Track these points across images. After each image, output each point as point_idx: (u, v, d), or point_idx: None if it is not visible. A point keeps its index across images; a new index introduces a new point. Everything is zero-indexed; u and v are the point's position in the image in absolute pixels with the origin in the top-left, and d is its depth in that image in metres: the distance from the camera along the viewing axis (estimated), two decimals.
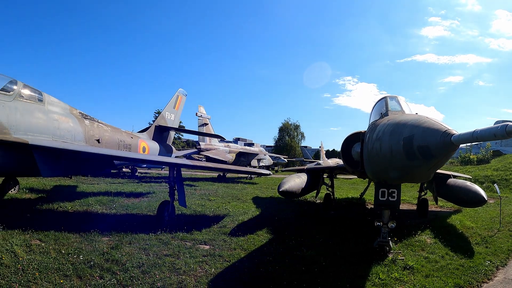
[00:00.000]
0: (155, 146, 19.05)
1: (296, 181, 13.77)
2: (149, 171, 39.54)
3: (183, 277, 6.72)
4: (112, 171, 25.66)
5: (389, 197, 8.17)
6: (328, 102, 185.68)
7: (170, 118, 21.47)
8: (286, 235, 10.29)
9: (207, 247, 8.76)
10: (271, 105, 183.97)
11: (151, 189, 20.81)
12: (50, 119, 11.81)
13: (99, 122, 14.84)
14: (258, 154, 37.90)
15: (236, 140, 40.41)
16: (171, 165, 12.11)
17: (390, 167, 6.94)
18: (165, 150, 20.17)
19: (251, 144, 42.93)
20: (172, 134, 21.77)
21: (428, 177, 7.79)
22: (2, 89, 10.62)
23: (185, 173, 35.65)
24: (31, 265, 6.79)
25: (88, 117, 14.30)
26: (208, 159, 28.92)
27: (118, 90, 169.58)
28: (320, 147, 50.33)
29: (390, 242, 8.56)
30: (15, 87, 11.00)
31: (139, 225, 10.45)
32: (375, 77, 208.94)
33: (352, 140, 10.34)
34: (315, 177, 16.05)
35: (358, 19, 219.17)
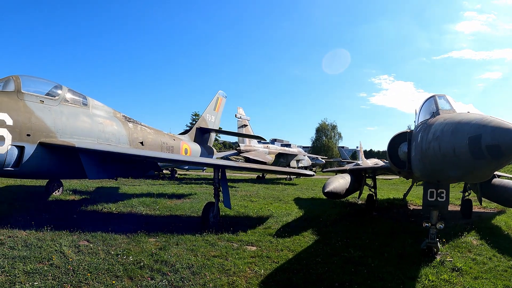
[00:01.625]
0: (197, 148, 18.72)
1: (340, 181, 13.28)
2: (187, 172, 39.47)
3: (233, 278, 6.45)
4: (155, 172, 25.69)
5: (438, 198, 7.98)
6: (364, 101, 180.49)
7: (211, 120, 21.12)
8: (331, 236, 9.93)
9: (254, 248, 8.49)
10: (307, 105, 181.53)
11: (192, 190, 20.57)
12: (94, 122, 11.66)
13: (142, 125, 14.66)
14: (297, 155, 36.98)
15: (272, 141, 39.74)
16: (215, 167, 11.47)
17: (451, 167, 6.67)
18: (207, 152, 19.81)
19: (288, 145, 42.12)
20: (213, 136, 21.43)
21: (488, 177, 7.31)
22: (48, 94, 10.55)
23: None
24: (81, 265, 6.53)
25: (132, 120, 14.12)
26: (248, 160, 28.42)
27: (156, 92, 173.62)
28: (358, 147, 48.55)
29: (438, 244, 8.15)
30: (60, 92, 10.93)
31: (184, 226, 10.18)
32: (411, 75, 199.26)
33: (398, 140, 10.16)
34: (358, 177, 15.50)
35: (392, 17, 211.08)
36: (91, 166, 10.38)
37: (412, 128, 10.17)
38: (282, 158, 34.07)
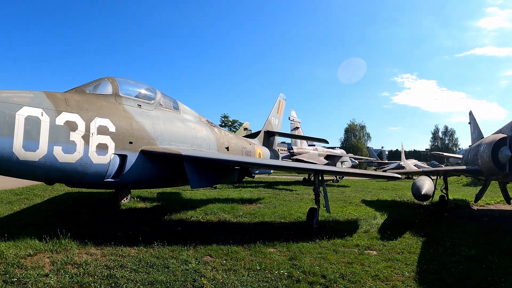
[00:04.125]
0: (267, 152, 16.97)
1: (428, 183, 12.26)
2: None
3: (390, 283, 5.99)
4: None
5: None
6: (387, 101, 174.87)
7: (275, 123, 19.39)
8: (438, 237, 9.34)
9: (375, 252, 7.90)
10: (330, 106, 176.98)
11: (254, 194, 18.70)
12: (187, 127, 10.07)
13: (223, 129, 13.01)
14: (342, 156, 34.83)
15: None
16: (315, 172, 10.48)
17: None
18: (274, 155, 18.04)
19: (332, 147, 40.02)
20: (277, 139, 19.65)
21: None
22: (144, 98, 9.01)
23: (263, 176, 33.31)
24: (238, 286, 5.60)
25: (214, 125, 12.49)
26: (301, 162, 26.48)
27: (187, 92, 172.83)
28: (383, 147, 45.92)
29: None
30: (154, 95, 9.42)
31: (287, 233, 9.20)
32: (434, 74, 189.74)
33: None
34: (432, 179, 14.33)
35: (412, 14, 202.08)
36: (194, 174, 8.77)
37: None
38: (330, 160, 31.99)
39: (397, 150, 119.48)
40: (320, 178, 10.13)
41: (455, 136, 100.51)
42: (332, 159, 32.64)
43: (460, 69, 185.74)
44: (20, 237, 7.33)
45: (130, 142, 7.90)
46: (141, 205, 13.75)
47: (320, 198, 9.86)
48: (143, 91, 9.06)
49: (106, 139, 7.38)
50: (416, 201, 17.09)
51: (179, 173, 9.15)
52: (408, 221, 11.51)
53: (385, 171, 38.30)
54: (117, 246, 7.31)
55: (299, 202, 15.92)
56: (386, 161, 53.25)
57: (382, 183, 31.51)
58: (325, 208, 9.76)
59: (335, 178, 31.52)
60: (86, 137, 7.02)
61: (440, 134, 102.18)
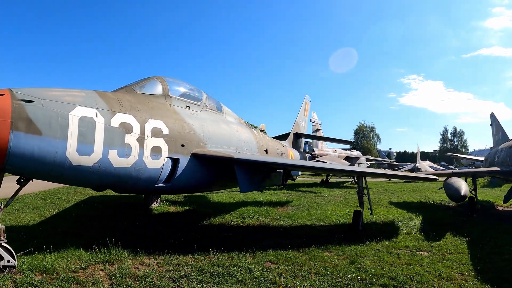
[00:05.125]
0: (297, 154, 16.30)
1: (465, 184, 12.17)
2: None
3: (457, 281, 5.85)
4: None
5: None
6: (393, 102, 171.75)
7: (302, 125, 18.73)
8: (481, 238, 9.06)
9: (426, 253, 7.66)
10: (336, 107, 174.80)
11: (286, 197, 18.02)
12: (231, 130, 9.40)
13: (258, 131, 12.34)
14: (359, 158, 34.06)
15: None
16: (359, 174, 10.18)
17: None
18: (303, 157, 17.34)
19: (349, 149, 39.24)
20: (303, 141, 18.96)
21: None
22: (192, 99, 8.38)
23: None
24: None
25: (251, 126, 11.82)
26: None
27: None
28: (391, 149, 45.06)
29: None
30: (201, 96, 8.79)
31: (333, 236, 8.84)
32: (440, 74, 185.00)
33: None
34: None
35: (418, 15, 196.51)
36: (244, 178, 8.12)
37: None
38: (349, 162, 31.16)
39: (405, 151, 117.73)
40: (363, 180, 9.97)
41: (464, 137, 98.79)
42: (350, 160, 31.84)
43: (467, 70, 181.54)
44: (64, 248, 6.64)
45: (182, 145, 7.24)
46: (172, 209, 13.02)
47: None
48: (190, 92, 8.42)
49: (160, 142, 6.71)
50: (443, 202, 16.88)
51: (226, 177, 8.59)
52: (444, 222, 11.24)
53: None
54: (171, 254, 6.68)
55: (329, 204, 15.39)
56: (402, 163, 52.01)
57: (401, 184, 30.66)
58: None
59: (353, 179, 30.68)
60: (141, 140, 6.34)
61: (449, 135, 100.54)
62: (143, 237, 8.03)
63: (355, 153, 35.74)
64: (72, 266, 5.90)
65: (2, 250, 5.07)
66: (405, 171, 43.31)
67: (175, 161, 7.12)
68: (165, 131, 6.86)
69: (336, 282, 5.60)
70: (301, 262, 6.61)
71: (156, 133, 6.67)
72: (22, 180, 5.65)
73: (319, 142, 27.71)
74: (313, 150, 27.15)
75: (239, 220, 10.88)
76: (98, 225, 9.56)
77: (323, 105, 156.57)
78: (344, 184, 29.82)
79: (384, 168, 60.25)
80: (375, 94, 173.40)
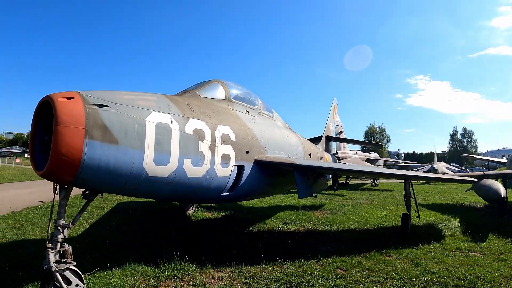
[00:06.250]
0: (330, 157, 15.80)
1: (502, 186, 12.14)
2: None
3: None
4: None
5: None
6: (400, 103, 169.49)
7: (332, 128, 18.22)
8: None
9: (478, 254, 7.63)
10: (345, 108, 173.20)
11: (314, 200, 17.38)
12: (283, 134, 8.95)
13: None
14: (378, 160, 33.48)
15: None
16: (406, 177, 10.04)
17: None
18: (334, 161, 16.80)
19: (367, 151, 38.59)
20: (333, 144, 18.45)
21: None
22: (249, 103, 7.93)
23: None
24: None
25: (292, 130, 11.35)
26: None
27: None
28: (399, 150, 44.24)
29: None
30: (256, 100, 8.34)
31: (383, 240, 8.75)
32: (447, 74, 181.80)
33: None
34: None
35: (425, 14, 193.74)
36: (302, 184, 7.72)
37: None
38: (370, 164, 30.55)
39: (414, 152, 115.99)
40: (410, 184, 9.87)
41: (474, 138, 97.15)
42: (371, 162, 31.20)
43: (473, 70, 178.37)
44: (122, 262, 6.19)
45: (247, 152, 6.78)
46: (208, 215, 12.41)
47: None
48: (248, 96, 7.97)
49: (229, 149, 6.24)
50: (471, 204, 16.58)
51: (282, 183, 8.34)
52: (481, 223, 11.08)
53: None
54: (238, 265, 6.31)
55: (362, 208, 15.01)
56: (419, 164, 51.04)
57: (420, 186, 29.92)
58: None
59: (372, 182, 30.04)
60: (212, 147, 5.86)
61: (458, 135, 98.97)
62: (201, 247, 7.61)
63: (373, 155, 35.08)
64: (143, 284, 5.44)
65: (70, 273, 4.51)
66: (423, 171, 42.54)
67: (240, 169, 6.67)
68: (233, 137, 6.41)
69: (413, 286, 5.57)
70: (369, 267, 6.45)
71: (225, 139, 6.21)
72: (88, 194, 5.08)
73: (342, 144, 27.18)
74: (336, 153, 26.58)
75: (284, 225, 10.48)
76: (144, 234, 9.09)
77: (328, 107, 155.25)
78: (364, 186, 29.22)
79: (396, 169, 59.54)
80: (382, 95, 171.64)
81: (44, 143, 4.46)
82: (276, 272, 6.04)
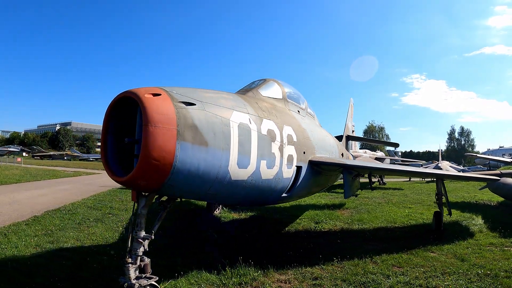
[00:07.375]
0: (351, 157, 15.84)
1: None
2: None
3: None
4: None
5: None
6: (396, 101, 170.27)
7: (351, 128, 18.31)
8: None
9: (511, 249, 7.76)
10: (342, 107, 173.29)
11: (334, 200, 17.45)
12: (322, 135, 8.94)
13: None
14: (385, 158, 33.69)
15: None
16: (438, 177, 10.03)
17: None
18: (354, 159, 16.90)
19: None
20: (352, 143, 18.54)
21: None
22: (299, 103, 7.92)
23: None
24: None
25: None
26: None
27: None
28: (411, 150, 44.58)
29: None
30: (302, 100, 8.28)
31: (419, 238, 8.77)
32: (443, 74, 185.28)
33: None
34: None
35: (422, 14, 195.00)
36: (348, 183, 7.83)
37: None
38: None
39: (411, 151, 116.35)
40: (442, 183, 9.83)
41: (471, 137, 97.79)
42: (380, 161, 31.36)
43: (469, 69, 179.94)
44: (180, 269, 5.85)
45: (304, 152, 6.76)
46: (235, 215, 12.16)
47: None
48: (297, 96, 7.90)
49: (292, 150, 6.18)
50: (485, 202, 16.65)
51: (326, 183, 8.43)
52: (502, 220, 11.04)
53: None
54: (298, 267, 6.26)
55: (382, 206, 15.10)
56: (425, 162, 51.35)
57: (427, 185, 29.95)
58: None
59: (380, 180, 30.09)
60: (281, 148, 5.76)
61: (456, 134, 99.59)
62: (252, 250, 7.43)
63: (379, 154, 35.31)
64: None
65: None
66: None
67: (298, 169, 6.64)
68: (294, 138, 6.35)
69: (469, 278, 5.77)
70: (421, 264, 6.55)
71: (290, 140, 6.14)
72: (164, 201, 4.73)
73: (353, 143, 27.20)
74: None
75: (317, 225, 10.48)
76: (184, 237, 8.78)
77: (326, 105, 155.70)
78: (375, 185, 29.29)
79: None
80: (378, 93, 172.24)
81: (117, 144, 4.23)
82: (338, 272, 6.03)
